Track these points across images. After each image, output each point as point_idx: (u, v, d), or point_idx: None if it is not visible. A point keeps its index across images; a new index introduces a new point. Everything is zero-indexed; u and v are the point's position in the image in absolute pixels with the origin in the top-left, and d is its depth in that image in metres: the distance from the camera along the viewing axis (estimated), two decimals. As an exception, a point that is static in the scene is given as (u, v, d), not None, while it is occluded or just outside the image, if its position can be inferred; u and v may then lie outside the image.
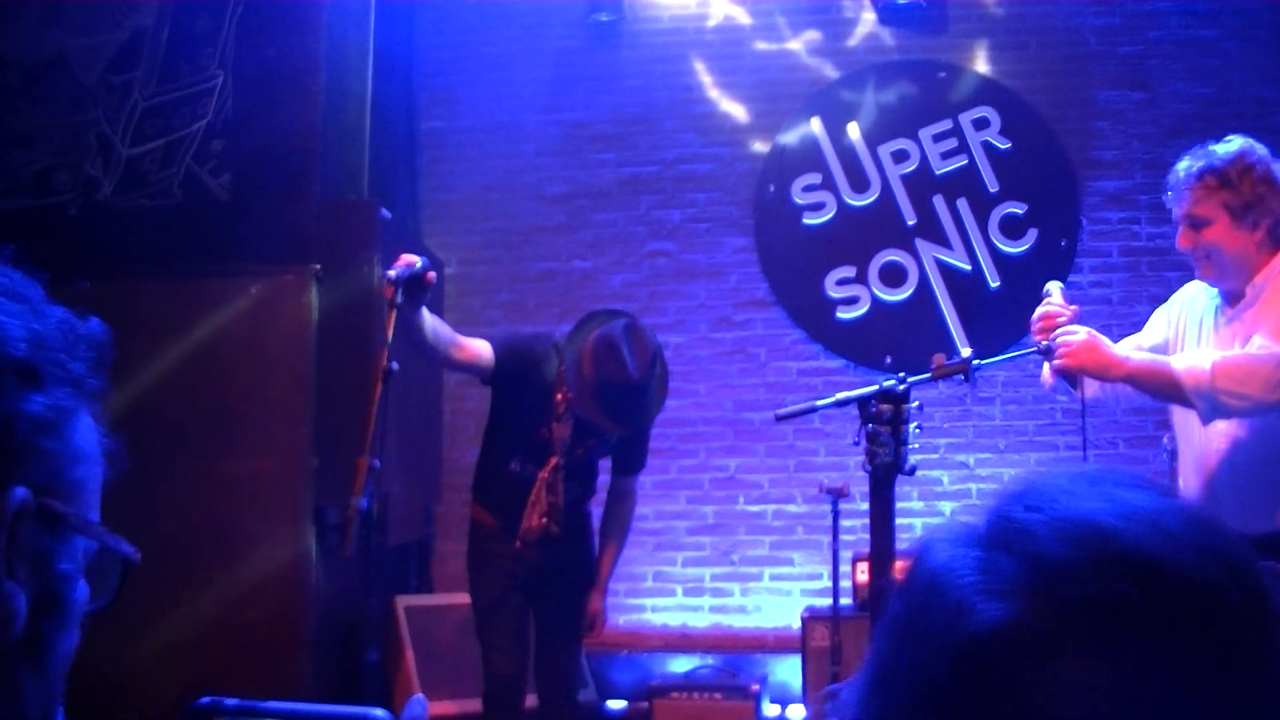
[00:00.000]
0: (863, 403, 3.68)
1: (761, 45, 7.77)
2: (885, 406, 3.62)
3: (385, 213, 6.24)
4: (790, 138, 7.66)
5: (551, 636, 5.15)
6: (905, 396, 3.64)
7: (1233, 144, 4.03)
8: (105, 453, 1.09)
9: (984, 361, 4.09)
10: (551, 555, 5.01)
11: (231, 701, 1.18)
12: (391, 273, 4.16)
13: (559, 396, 4.90)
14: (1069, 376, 4.17)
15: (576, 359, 4.82)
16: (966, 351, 4.05)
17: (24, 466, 0.99)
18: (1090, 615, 0.86)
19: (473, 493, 5.17)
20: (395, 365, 3.98)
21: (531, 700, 5.22)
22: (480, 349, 4.86)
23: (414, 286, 4.23)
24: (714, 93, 7.77)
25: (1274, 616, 0.89)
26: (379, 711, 1.16)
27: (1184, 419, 4.17)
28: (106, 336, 1.09)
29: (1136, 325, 7.17)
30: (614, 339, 4.75)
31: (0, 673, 0.99)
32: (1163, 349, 4.33)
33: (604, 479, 5.33)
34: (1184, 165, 4.07)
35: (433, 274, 4.27)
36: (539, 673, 5.16)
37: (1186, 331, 4.26)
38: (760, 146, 7.70)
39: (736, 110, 7.74)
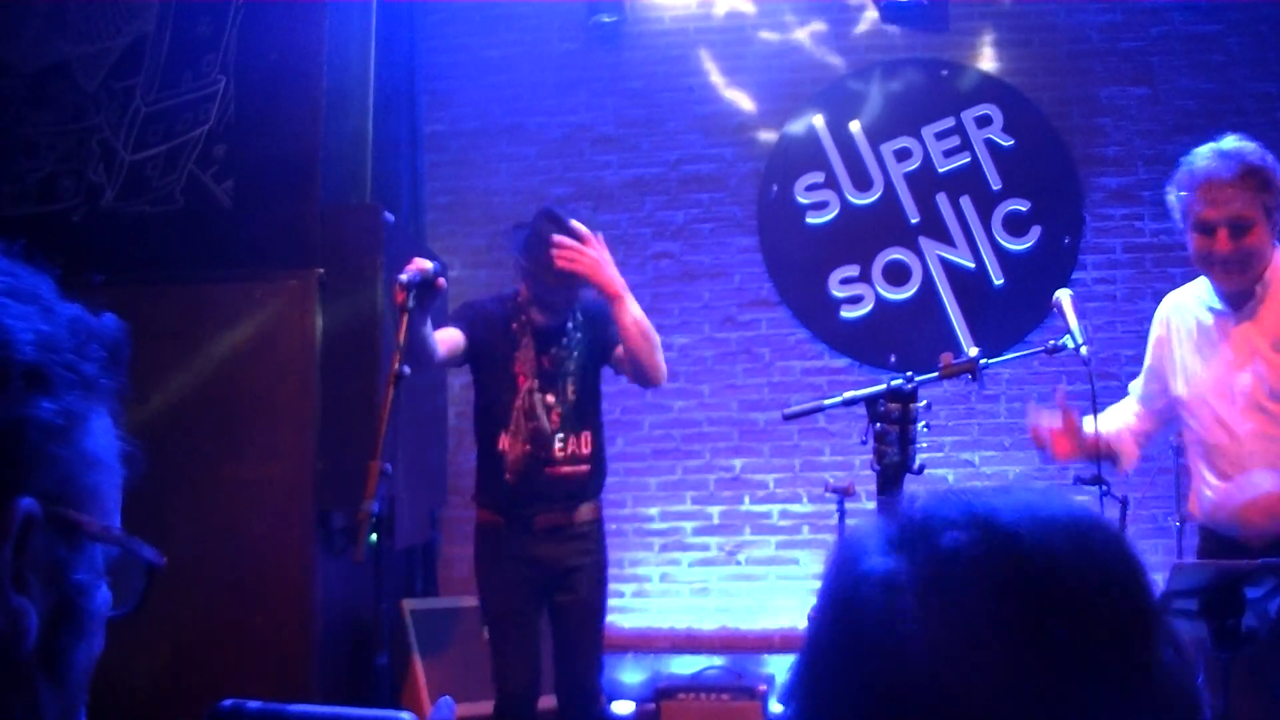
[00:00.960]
0: (870, 402, 3.67)
1: (764, 45, 7.76)
2: (893, 406, 3.61)
3: (389, 216, 6.23)
4: (793, 137, 7.65)
5: (568, 642, 5.07)
6: (913, 395, 3.64)
7: (1245, 143, 3.98)
8: (123, 455, 1.06)
9: (992, 361, 4.08)
10: (560, 548, 4.98)
11: (254, 704, 1.15)
12: (403, 277, 4.16)
13: (517, 322, 4.99)
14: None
15: (522, 241, 5.01)
16: (974, 350, 4.06)
17: (34, 474, 0.96)
18: (939, 563, 0.97)
19: (475, 497, 5.14)
20: (407, 369, 3.98)
21: (550, 701, 5.20)
22: (453, 332, 4.93)
23: (425, 291, 4.22)
24: (715, 93, 7.76)
25: (1141, 616, 0.97)
26: (405, 714, 1.14)
27: (1209, 421, 4.12)
28: (121, 332, 1.07)
29: (1142, 321, 7.17)
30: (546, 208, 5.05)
31: (17, 686, 0.96)
32: (1159, 375, 4.31)
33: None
34: (1209, 165, 3.95)
35: (443, 280, 4.28)
36: (558, 677, 5.11)
37: (1181, 345, 4.22)
38: (763, 147, 7.69)
39: (739, 111, 7.74)
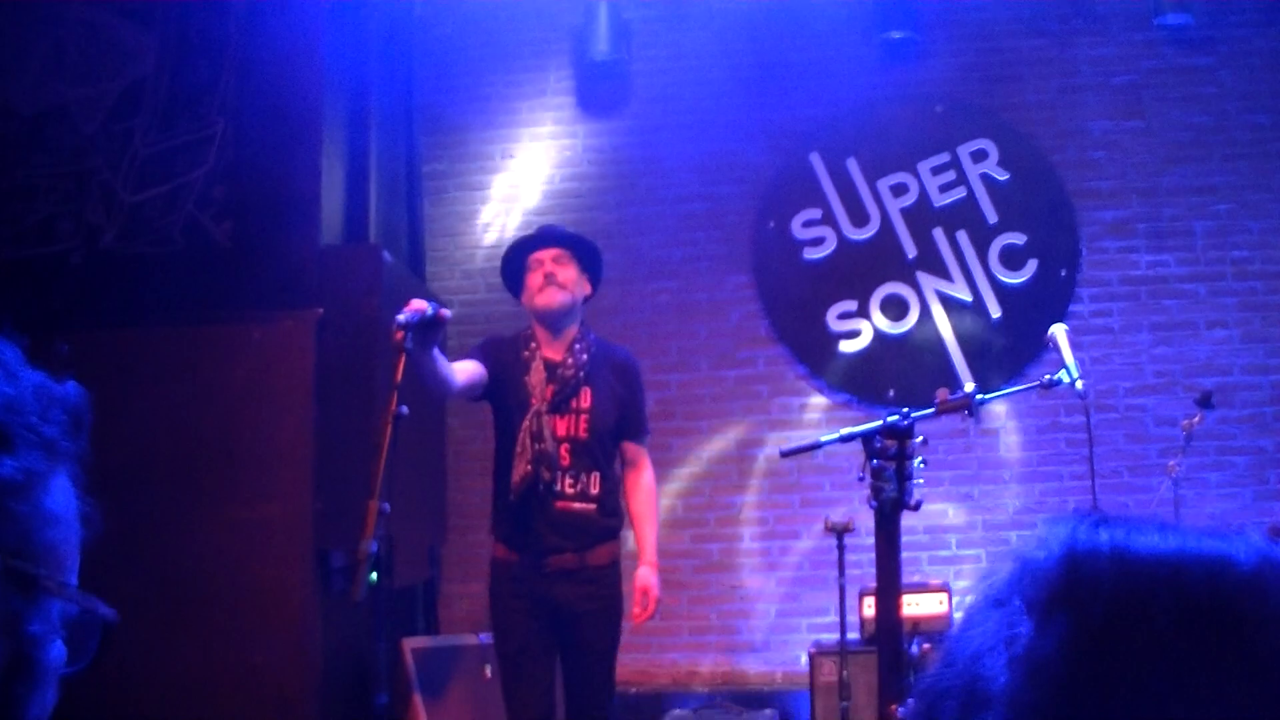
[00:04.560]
0: (867, 438, 3.65)
1: (761, 82, 7.76)
2: (890, 442, 3.60)
3: (388, 256, 6.24)
4: (789, 174, 7.65)
5: (579, 680, 5.06)
6: (909, 431, 3.62)
7: None
8: (81, 516, 1.09)
9: (988, 396, 4.08)
10: (573, 590, 4.97)
11: None
12: (401, 317, 4.16)
13: (528, 349, 5.10)
14: None
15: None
16: (970, 386, 4.05)
17: None
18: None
19: (491, 530, 5.15)
20: (405, 410, 3.98)
21: None
22: (471, 364, 5.00)
23: (425, 331, 4.25)
24: (712, 130, 7.76)
25: None
26: None
27: None
28: (83, 400, 1.10)
29: (1137, 354, 7.26)
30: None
31: None
32: None
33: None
34: None
35: (446, 311, 4.29)
36: (569, 715, 5.10)
37: None
38: (759, 184, 7.69)
39: (735, 148, 7.74)
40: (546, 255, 5.13)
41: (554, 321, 5.10)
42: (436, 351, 4.51)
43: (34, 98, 6.26)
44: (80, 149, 6.20)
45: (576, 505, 4.99)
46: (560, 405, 5.01)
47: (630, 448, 5.22)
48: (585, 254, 5.30)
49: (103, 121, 6.21)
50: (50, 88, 6.25)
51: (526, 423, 4.96)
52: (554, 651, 5.05)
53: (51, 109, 6.25)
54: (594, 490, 5.03)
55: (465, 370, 4.92)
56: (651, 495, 5.25)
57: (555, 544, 4.95)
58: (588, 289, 5.28)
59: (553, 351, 5.09)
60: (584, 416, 5.05)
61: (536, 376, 5.02)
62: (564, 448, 4.99)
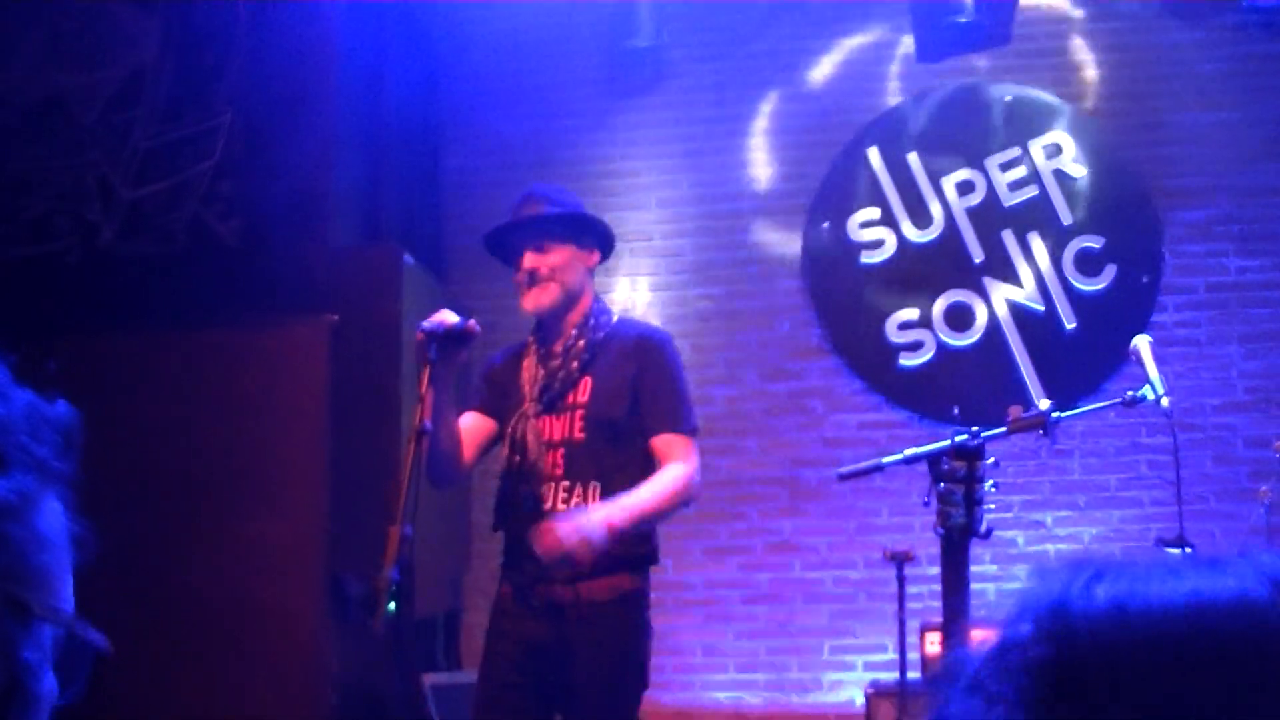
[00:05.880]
0: (933, 460, 3.62)
1: (814, 69, 7.75)
2: (958, 463, 3.56)
3: (408, 258, 6.24)
4: (845, 170, 7.63)
5: None
6: (980, 452, 3.59)
7: None
8: (73, 538, 1.11)
9: (1065, 414, 4.04)
10: (564, 626, 4.38)
11: None
12: (426, 324, 4.11)
13: (526, 348, 4.60)
14: None
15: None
16: (1045, 403, 4.01)
17: None
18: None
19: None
20: (429, 425, 3.95)
21: None
22: (472, 417, 4.56)
23: (449, 342, 4.14)
24: (761, 122, 7.75)
25: None
26: None
27: None
28: (75, 420, 1.13)
29: (1226, 368, 7.20)
30: None
31: None
32: None
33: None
34: None
35: (474, 325, 4.17)
36: None
37: None
38: (812, 181, 7.67)
39: (785, 142, 7.72)
40: (525, 248, 4.61)
41: (550, 317, 4.57)
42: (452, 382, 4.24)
43: (27, 87, 6.29)
44: (77, 141, 6.24)
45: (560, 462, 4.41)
46: (554, 403, 4.45)
47: (658, 443, 4.43)
48: (573, 226, 4.68)
49: (101, 112, 6.25)
50: (45, 76, 6.28)
51: (509, 430, 4.46)
52: (546, 707, 4.44)
53: (47, 99, 6.28)
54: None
55: (470, 429, 4.51)
56: (663, 480, 4.36)
57: (543, 573, 4.28)
58: (591, 258, 4.67)
59: (555, 343, 4.57)
60: (579, 413, 4.44)
61: (528, 374, 4.51)
62: (558, 454, 4.40)
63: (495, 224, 4.92)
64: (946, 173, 7.55)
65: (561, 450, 4.40)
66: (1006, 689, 0.86)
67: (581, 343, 4.51)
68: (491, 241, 4.81)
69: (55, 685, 1.08)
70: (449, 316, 4.16)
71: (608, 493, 4.33)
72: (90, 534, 1.12)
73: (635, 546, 4.39)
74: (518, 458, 4.40)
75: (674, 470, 4.36)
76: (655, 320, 7.21)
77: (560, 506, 4.33)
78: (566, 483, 4.38)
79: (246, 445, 5.83)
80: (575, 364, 4.48)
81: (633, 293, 7.70)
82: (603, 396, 4.44)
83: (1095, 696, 0.83)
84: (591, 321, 4.55)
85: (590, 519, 4.15)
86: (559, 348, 4.50)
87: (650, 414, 4.44)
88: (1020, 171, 7.49)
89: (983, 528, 3.59)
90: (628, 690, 4.44)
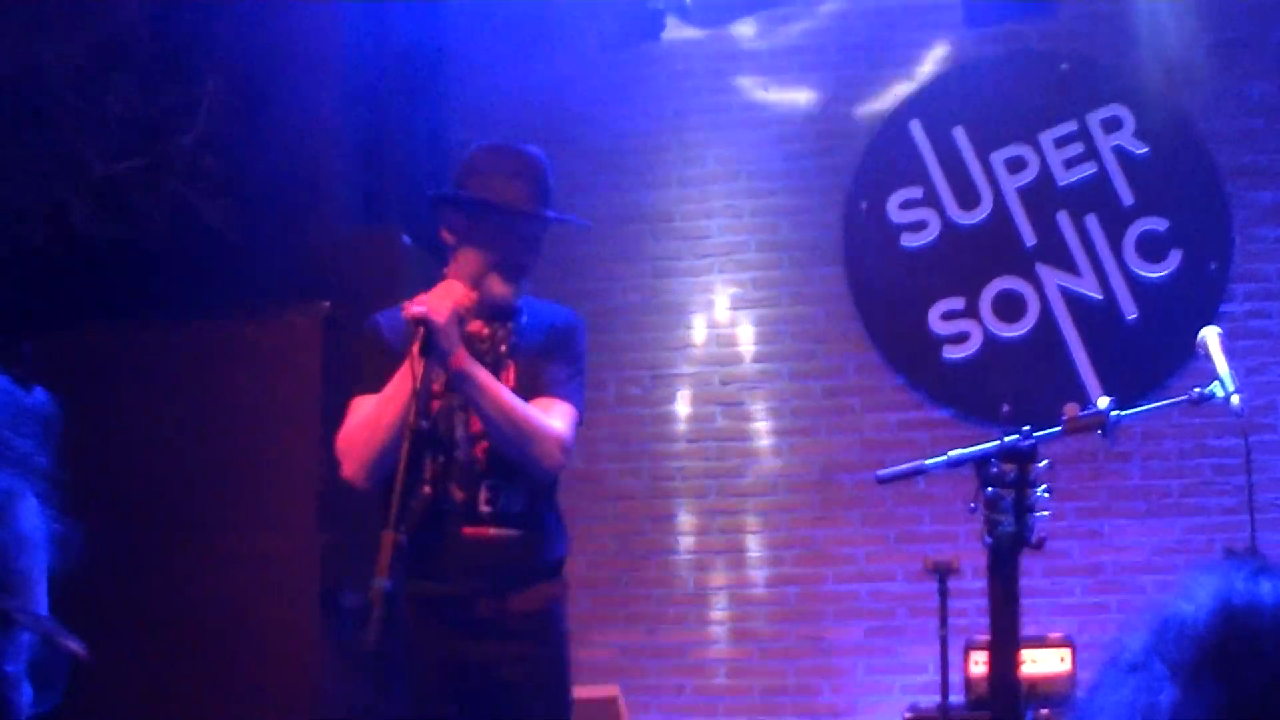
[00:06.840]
0: (981, 463, 3.61)
1: (849, 32, 7.72)
2: (1008, 467, 3.55)
3: (408, 241, 6.24)
4: (885, 146, 7.62)
5: None
6: (1032, 454, 3.58)
7: None
8: (56, 538, 1.10)
9: (1126, 413, 4.03)
10: (490, 644, 4.26)
11: None
12: (417, 308, 4.07)
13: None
14: None
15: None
16: (1103, 401, 3.99)
17: None
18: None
19: None
20: (425, 423, 3.94)
21: None
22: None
23: (449, 329, 4.10)
24: (794, 95, 7.74)
25: None
26: None
27: None
28: (53, 407, 1.12)
29: (1303, 364, 7.17)
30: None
31: None
32: None
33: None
34: None
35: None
36: None
37: None
38: (849, 157, 7.65)
39: (820, 115, 7.70)
40: (523, 242, 4.50)
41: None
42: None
43: (10, 59, 6.28)
44: (45, 112, 6.21)
45: (492, 531, 4.27)
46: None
47: (540, 402, 4.32)
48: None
49: (72, 79, 6.24)
50: (9, 43, 6.28)
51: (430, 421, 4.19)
52: None
53: (23, 70, 6.28)
54: (518, 508, 4.31)
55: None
56: (534, 410, 4.27)
57: (466, 585, 4.25)
58: None
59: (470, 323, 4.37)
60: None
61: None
62: (480, 447, 4.30)
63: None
64: (996, 148, 7.52)
65: (485, 443, 4.29)
66: (1161, 664, 1.01)
67: (510, 324, 4.44)
68: (474, 203, 4.60)
69: (31, 697, 1.07)
70: (450, 295, 4.12)
71: (535, 496, 4.33)
72: (72, 533, 1.11)
73: (550, 549, 4.41)
74: (442, 455, 4.26)
75: (548, 419, 4.28)
76: (678, 309, 7.21)
77: (482, 508, 4.26)
78: (490, 481, 4.29)
79: (233, 448, 5.86)
80: (504, 348, 4.42)
81: (654, 278, 7.69)
82: (527, 384, 4.35)
83: (1245, 676, 0.98)
84: (542, 318, 4.52)
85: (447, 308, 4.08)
86: (483, 330, 4.39)
87: (546, 381, 4.37)
88: (1077, 147, 7.47)
89: (1034, 537, 3.58)
90: (563, 713, 4.41)
